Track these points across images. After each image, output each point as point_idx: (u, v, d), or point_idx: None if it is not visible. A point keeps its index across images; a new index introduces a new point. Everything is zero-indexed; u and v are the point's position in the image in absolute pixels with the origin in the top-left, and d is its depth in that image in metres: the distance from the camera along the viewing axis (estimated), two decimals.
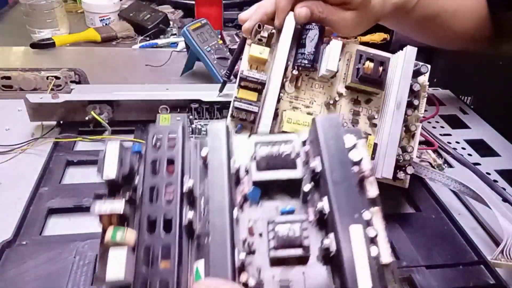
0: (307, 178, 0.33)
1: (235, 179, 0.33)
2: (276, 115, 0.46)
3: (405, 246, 0.45)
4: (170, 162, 0.33)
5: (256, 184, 0.33)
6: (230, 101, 0.46)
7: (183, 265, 0.30)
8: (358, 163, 0.32)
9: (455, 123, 0.70)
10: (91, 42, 0.82)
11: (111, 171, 0.32)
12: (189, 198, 0.32)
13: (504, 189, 0.54)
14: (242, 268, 0.30)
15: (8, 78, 0.69)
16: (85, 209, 0.48)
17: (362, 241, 0.29)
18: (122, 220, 0.31)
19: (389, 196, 0.51)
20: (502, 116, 0.76)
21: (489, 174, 0.57)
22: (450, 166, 0.59)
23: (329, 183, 0.31)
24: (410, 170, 0.46)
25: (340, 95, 0.48)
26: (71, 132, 0.58)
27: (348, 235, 0.29)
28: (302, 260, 0.31)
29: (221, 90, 0.59)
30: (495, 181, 0.56)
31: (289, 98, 0.47)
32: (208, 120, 0.60)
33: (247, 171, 0.34)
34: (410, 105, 0.46)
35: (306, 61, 0.45)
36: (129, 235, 0.30)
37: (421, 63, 0.47)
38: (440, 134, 0.65)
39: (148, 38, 0.86)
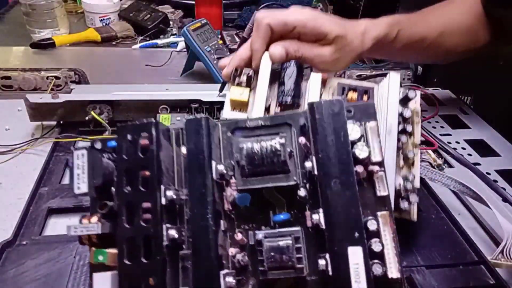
0: (303, 180, 0.29)
1: (221, 183, 0.29)
2: None
3: (405, 246, 0.45)
4: (144, 167, 0.28)
5: (243, 192, 0.30)
6: None
7: None
8: (364, 160, 0.28)
9: (455, 123, 0.70)
10: (91, 42, 0.82)
11: (82, 186, 0.29)
12: (171, 211, 0.28)
13: (504, 189, 0.54)
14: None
15: (8, 78, 0.69)
16: (85, 209, 0.48)
17: (362, 266, 0.26)
18: (102, 238, 0.28)
19: None
20: (502, 116, 0.76)
21: (489, 174, 0.57)
22: (450, 166, 0.59)
23: (327, 192, 0.27)
24: (413, 198, 0.41)
25: None
26: (71, 132, 0.58)
27: (346, 257, 0.26)
28: (298, 279, 0.28)
29: (221, 90, 0.59)
30: (495, 181, 0.56)
31: None
32: None
33: (233, 173, 0.30)
34: (404, 132, 0.44)
35: (287, 98, 0.44)
36: (111, 255, 0.27)
37: (408, 89, 0.44)
38: (440, 134, 0.65)
39: (148, 38, 0.86)
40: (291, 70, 0.45)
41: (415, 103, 0.46)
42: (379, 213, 0.28)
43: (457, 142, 0.65)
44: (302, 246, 0.28)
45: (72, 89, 0.64)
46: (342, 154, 0.28)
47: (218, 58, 0.72)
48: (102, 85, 0.68)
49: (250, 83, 0.46)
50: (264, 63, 0.45)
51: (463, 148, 0.63)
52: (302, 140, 0.29)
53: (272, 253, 0.27)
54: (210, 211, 0.27)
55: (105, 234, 0.28)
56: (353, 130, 0.28)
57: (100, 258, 0.28)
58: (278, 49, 0.45)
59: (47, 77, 0.70)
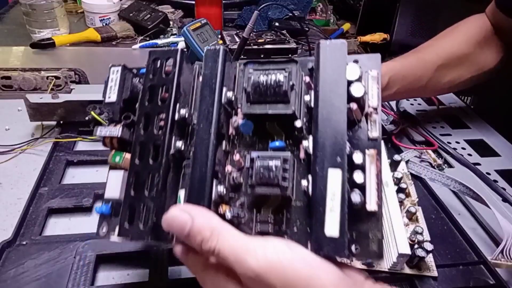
0: (301, 113, 0.32)
1: (228, 109, 0.32)
2: None
3: None
4: (166, 89, 0.32)
5: (247, 117, 0.32)
6: None
7: (167, 192, 0.31)
8: (359, 99, 0.29)
9: (455, 123, 0.70)
10: (91, 42, 0.82)
11: (112, 95, 0.33)
12: (182, 127, 0.32)
13: (504, 189, 0.54)
14: (221, 200, 0.30)
15: (8, 78, 0.69)
16: (85, 209, 0.48)
17: (338, 187, 0.27)
18: (122, 143, 0.33)
19: None
20: (502, 116, 0.76)
21: (489, 174, 0.57)
22: (450, 166, 0.59)
23: (318, 120, 0.29)
24: (429, 246, 0.41)
25: None
26: (71, 132, 0.58)
27: (325, 178, 0.28)
28: (284, 200, 0.30)
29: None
30: (495, 181, 0.56)
31: None
32: None
33: (241, 104, 0.32)
34: (401, 190, 0.48)
35: None
36: (126, 158, 0.32)
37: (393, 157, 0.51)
38: (440, 134, 0.65)
39: (148, 38, 0.86)
40: None
41: (403, 169, 0.52)
42: (367, 151, 0.29)
43: (457, 142, 0.65)
44: (289, 169, 0.30)
45: (72, 89, 0.65)
46: (338, 87, 0.29)
47: None
48: (102, 85, 0.68)
49: None
50: None
51: (463, 148, 0.63)
52: (306, 78, 0.32)
53: (262, 170, 0.29)
54: (214, 128, 0.30)
55: (124, 140, 0.32)
56: (353, 70, 0.30)
57: (117, 159, 0.32)
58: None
59: (47, 77, 0.70)
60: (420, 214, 0.47)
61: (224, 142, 0.32)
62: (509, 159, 0.62)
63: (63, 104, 0.58)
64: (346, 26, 1.05)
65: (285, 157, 0.30)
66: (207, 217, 0.28)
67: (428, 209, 0.51)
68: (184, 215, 0.27)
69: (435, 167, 0.58)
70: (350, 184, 0.28)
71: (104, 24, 0.88)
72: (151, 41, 0.86)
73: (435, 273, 0.42)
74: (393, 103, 0.71)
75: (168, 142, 0.31)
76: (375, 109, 0.30)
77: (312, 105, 0.30)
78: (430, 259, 0.43)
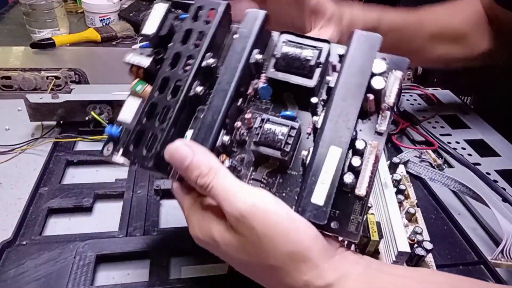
0: (321, 91, 0.33)
1: (253, 71, 0.34)
2: None
3: None
4: (201, 37, 0.34)
5: (269, 81, 0.34)
6: None
7: (176, 129, 0.32)
8: (377, 91, 0.31)
9: (455, 123, 0.70)
10: (91, 42, 0.82)
11: (150, 28, 0.35)
12: (205, 75, 0.33)
13: (504, 189, 0.54)
14: (224, 150, 0.32)
15: (8, 78, 0.69)
16: (85, 209, 0.48)
17: (335, 163, 0.29)
18: (147, 75, 0.34)
19: None
20: (502, 116, 0.76)
21: (489, 174, 0.57)
22: (450, 166, 0.59)
23: (334, 99, 0.30)
24: (428, 245, 0.41)
25: None
26: (71, 132, 0.58)
27: (325, 153, 0.29)
28: (281, 165, 0.32)
29: None
30: (495, 181, 0.56)
31: None
32: None
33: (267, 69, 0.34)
34: (400, 192, 0.48)
35: None
36: (147, 90, 0.33)
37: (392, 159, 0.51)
38: (440, 134, 0.65)
39: None
40: None
41: (402, 171, 0.53)
42: (370, 141, 0.30)
43: (457, 142, 0.65)
44: (294, 138, 0.31)
45: (72, 89, 0.65)
46: (361, 75, 0.31)
47: None
48: (102, 85, 0.68)
49: None
50: None
51: (463, 148, 0.63)
52: (334, 61, 0.33)
53: (269, 132, 0.31)
54: (235, 81, 0.32)
55: (149, 72, 0.34)
56: (379, 64, 0.31)
57: (138, 87, 0.34)
58: None
59: (47, 77, 0.70)
60: (419, 215, 0.47)
61: (240, 100, 0.33)
62: (509, 159, 0.62)
63: (63, 104, 0.58)
64: None
65: (293, 126, 0.31)
66: (207, 156, 0.29)
67: (428, 209, 0.51)
68: (186, 149, 0.29)
69: (435, 167, 0.58)
70: (346, 167, 0.29)
71: (104, 24, 0.88)
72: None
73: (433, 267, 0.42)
74: None
75: (190, 84, 0.32)
76: (390, 107, 0.31)
77: (332, 85, 0.31)
78: (430, 259, 0.43)
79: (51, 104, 0.57)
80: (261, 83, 0.34)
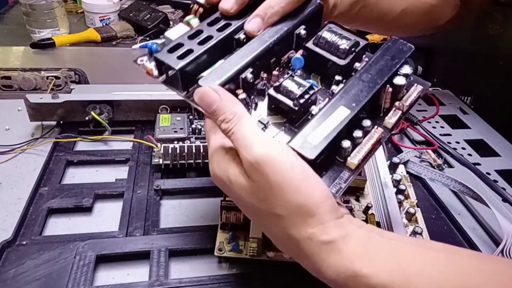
0: (348, 73, 0.36)
1: (293, 44, 0.37)
2: None
3: None
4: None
5: (304, 50, 0.37)
6: None
7: (210, 55, 0.34)
8: (397, 88, 0.33)
9: (455, 123, 0.70)
10: (91, 42, 0.82)
11: None
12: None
13: (504, 189, 0.54)
14: (243, 84, 0.34)
15: (8, 78, 0.69)
16: (85, 209, 0.48)
17: (339, 119, 0.31)
18: (203, 15, 0.37)
19: None
20: (502, 116, 0.76)
21: (489, 174, 0.57)
22: (450, 166, 0.59)
23: (356, 76, 0.34)
24: None
25: None
26: (71, 132, 0.58)
27: (333, 111, 0.31)
28: (289, 120, 0.33)
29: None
30: (495, 181, 0.56)
31: None
32: None
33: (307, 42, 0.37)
34: (400, 192, 0.49)
35: None
36: (195, 22, 0.37)
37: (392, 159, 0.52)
38: (440, 134, 0.65)
39: (148, 38, 0.86)
40: None
41: (402, 172, 0.53)
42: (376, 127, 0.33)
43: (457, 142, 0.65)
44: (310, 96, 0.33)
45: (72, 89, 0.65)
46: (386, 68, 0.34)
47: None
48: (102, 85, 0.68)
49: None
50: None
51: (463, 148, 0.63)
52: (365, 57, 0.37)
53: (288, 85, 0.33)
54: (277, 37, 0.35)
55: (206, 10, 0.37)
56: (406, 68, 0.35)
57: (192, 21, 0.37)
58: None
59: (47, 77, 0.70)
60: (419, 215, 0.47)
61: (273, 59, 0.36)
62: (509, 159, 0.62)
63: (63, 104, 0.58)
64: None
65: (313, 86, 0.33)
66: (234, 102, 0.31)
67: (428, 209, 0.51)
68: (214, 94, 0.31)
69: (435, 167, 0.58)
70: (347, 136, 0.31)
71: (104, 24, 0.88)
72: (151, 41, 0.86)
73: None
74: None
75: (238, 28, 0.35)
76: (403, 108, 0.33)
77: (359, 69, 0.35)
78: None
79: (51, 104, 0.57)
80: (297, 54, 0.37)
